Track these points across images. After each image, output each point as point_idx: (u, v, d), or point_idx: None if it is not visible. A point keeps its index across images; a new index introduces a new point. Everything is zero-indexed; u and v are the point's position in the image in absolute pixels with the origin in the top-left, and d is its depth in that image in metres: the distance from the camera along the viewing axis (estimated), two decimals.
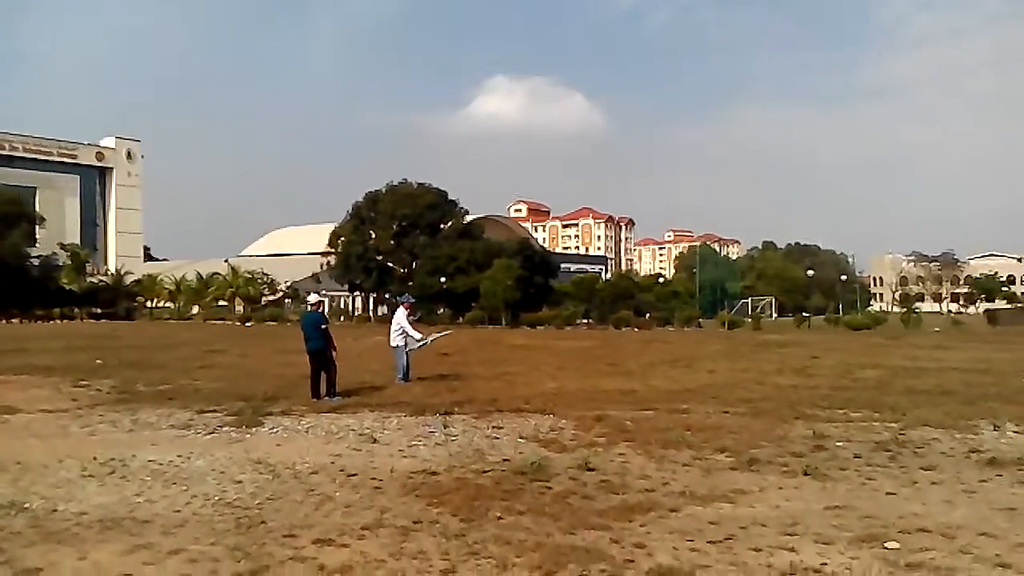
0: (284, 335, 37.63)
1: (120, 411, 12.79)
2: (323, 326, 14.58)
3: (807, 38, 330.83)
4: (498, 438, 10.44)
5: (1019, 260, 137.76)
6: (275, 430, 11.10)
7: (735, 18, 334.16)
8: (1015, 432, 10.59)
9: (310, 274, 73.50)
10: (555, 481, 8.00)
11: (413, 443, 10.13)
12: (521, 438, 10.42)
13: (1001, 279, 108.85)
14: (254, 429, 11.13)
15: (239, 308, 67.12)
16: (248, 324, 55.01)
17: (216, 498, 7.42)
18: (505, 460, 9.01)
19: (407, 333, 16.61)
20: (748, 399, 13.87)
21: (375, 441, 10.22)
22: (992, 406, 12.74)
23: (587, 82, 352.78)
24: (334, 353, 14.55)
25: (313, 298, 15.60)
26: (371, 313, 69.69)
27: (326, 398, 13.88)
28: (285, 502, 7.29)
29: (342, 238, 66.47)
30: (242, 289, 69.08)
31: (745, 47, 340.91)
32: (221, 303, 69.98)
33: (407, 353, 16.75)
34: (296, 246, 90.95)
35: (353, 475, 8.34)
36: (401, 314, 17.02)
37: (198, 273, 72.31)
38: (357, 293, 73.76)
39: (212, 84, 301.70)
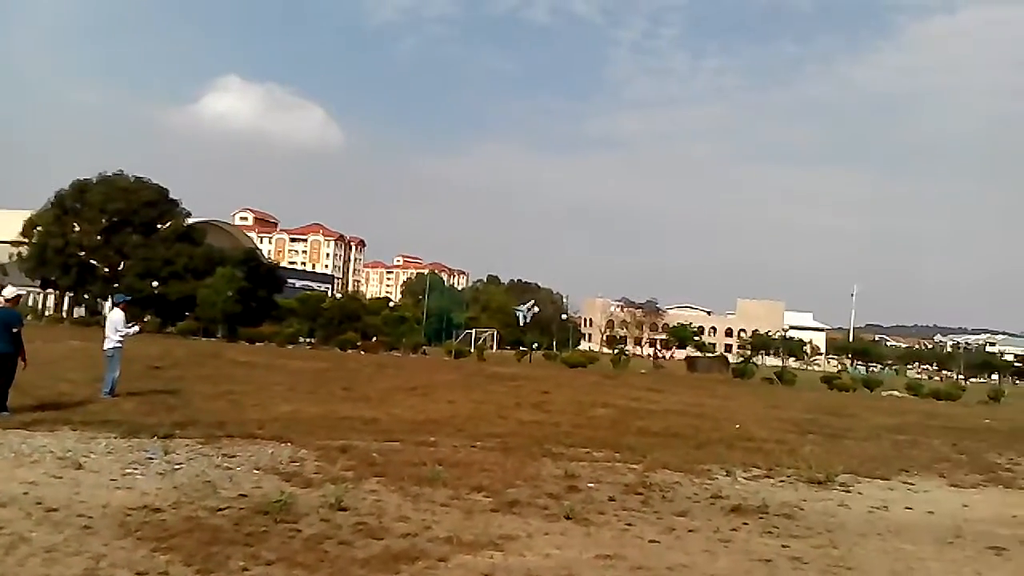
0: None
1: None
2: (15, 329, 12.31)
3: (543, 85, 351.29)
4: (231, 469, 9.26)
5: (708, 313, 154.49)
6: None
7: (477, 57, 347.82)
8: (745, 479, 11.18)
9: None
10: (304, 523, 7.10)
11: (128, 471, 8.70)
12: (258, 470, 9.32)
13: (694, 329, 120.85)
14: None
15: None
16: None
17: None
18: (242, 496, 7.93)
19: (126, 334, 14.88)
20: (494, 434, 13.62)
21: (80, 467, 8.67)
22: (719, 451, 13.48)
23: (328, 97, 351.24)
24: (22, 363, 12.36)
25: (9, 291, 13.00)
26: (65, 314, 62.66)
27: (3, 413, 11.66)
28: None
29: (39, 227, 59.15)
30: None
31: (485, 87, 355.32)
32: None
33: (115, 362, 14.88)
34: None
35: (54, 510, 6.89)
36: (119, 316, 15.12)
37: None
38: (51, 291, 66.07)
39: None
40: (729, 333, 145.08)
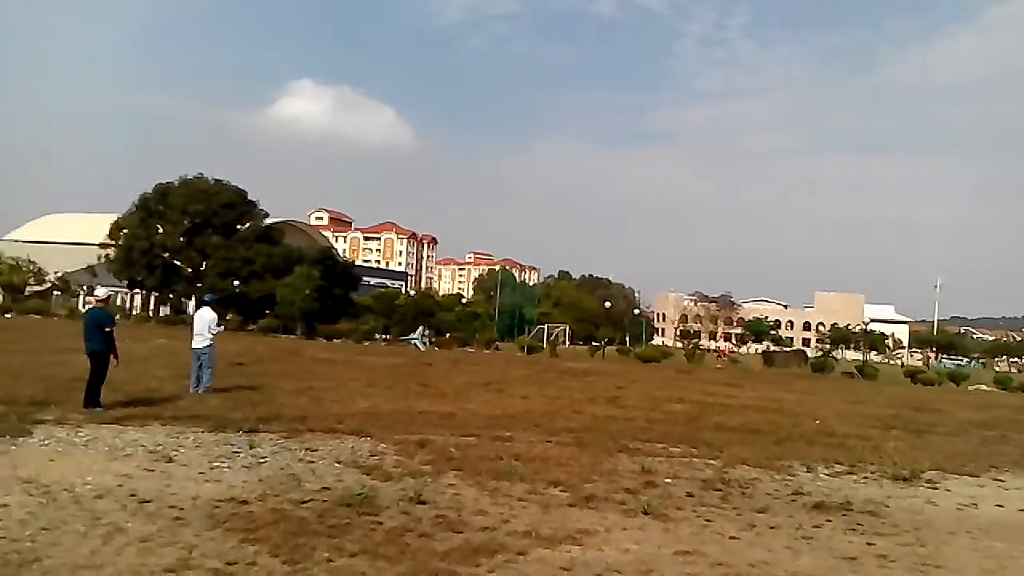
0: (52, 331, 33.94)
1: None
2: (107, 328, 12.78)
3: (608, 80, 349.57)
4: (313, 462, 9.49)
5: (785, 307, 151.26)
6: (47, 442, 9.58)
7: (542, 53, 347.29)
8: (826, 475, 10.95)
9: (85, 266, 67.43)
10: (385, 515, 7.24)
11: (216, 464, 9.00)
12: (339, 463, 9.53)
13: (769, 323, 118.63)
14: (21, 439, 9.55)
15: None
16: (8, 316, 49.50)
17: None
18: (325, 488, 8.12)
19: (216, 332, 15.66)
20: (569, 428, 13.64)
21: (170, 460, 9.00)
22: (799, 446, 13.23)
23: (398, 98, 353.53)
24: (115, 361, 12.82)
25: (101, 292, 13.59)
26: (151, 313, 64.91)
27: (88, 408, 12.05)
28: (65, 534, 6.09)
29: (125, 230, 61.46)
30: (4, 276, 62.09)
31: (550, 83, 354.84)
32: None
33: (212, 359, 15.49)
34: (70, 235, 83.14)
35: (147, 501, 7.18)
36: (212, 315, 15.76)
37: None
38: (138, 291, 68.58)
39: None
40: (807, 327, 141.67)
